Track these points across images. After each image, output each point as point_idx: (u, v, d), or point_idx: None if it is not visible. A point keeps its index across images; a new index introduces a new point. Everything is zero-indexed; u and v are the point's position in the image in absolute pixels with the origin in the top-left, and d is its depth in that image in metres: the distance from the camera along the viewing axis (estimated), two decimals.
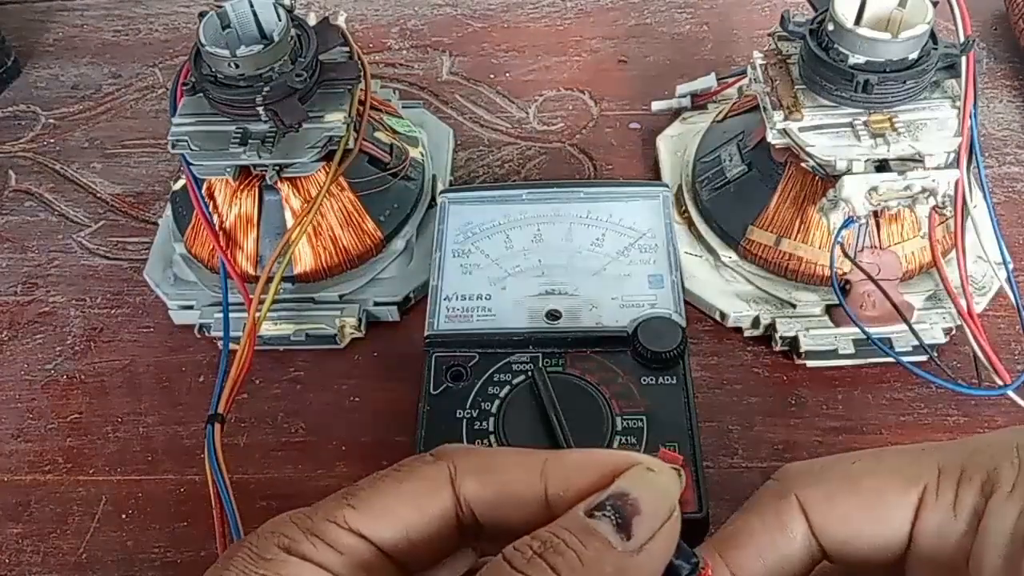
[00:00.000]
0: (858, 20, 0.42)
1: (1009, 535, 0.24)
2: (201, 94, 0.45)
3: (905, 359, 0.42)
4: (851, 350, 0.44)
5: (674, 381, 0.41)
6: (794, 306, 0.45)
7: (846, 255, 0.42)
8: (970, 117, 0.41)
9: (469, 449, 0.26)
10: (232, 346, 0.42)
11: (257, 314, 0.42)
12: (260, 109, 0.43)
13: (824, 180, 0.43)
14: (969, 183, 0.42)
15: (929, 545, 0.26)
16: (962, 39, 0.41)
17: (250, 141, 0.43)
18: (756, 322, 0.46)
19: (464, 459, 0.26)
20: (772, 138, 0.43)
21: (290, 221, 0.45)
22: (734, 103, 0.52)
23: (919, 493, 0.26)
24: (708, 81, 0.55)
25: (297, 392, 0.46)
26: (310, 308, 0.47)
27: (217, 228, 0.46)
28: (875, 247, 0.44)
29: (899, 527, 0.26)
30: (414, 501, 0.25)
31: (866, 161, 0.41)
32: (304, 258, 0.46)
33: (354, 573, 0.24)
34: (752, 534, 0.27)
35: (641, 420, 0.40)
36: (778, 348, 0.45)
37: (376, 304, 0.48)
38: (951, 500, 0.25)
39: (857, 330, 0.43)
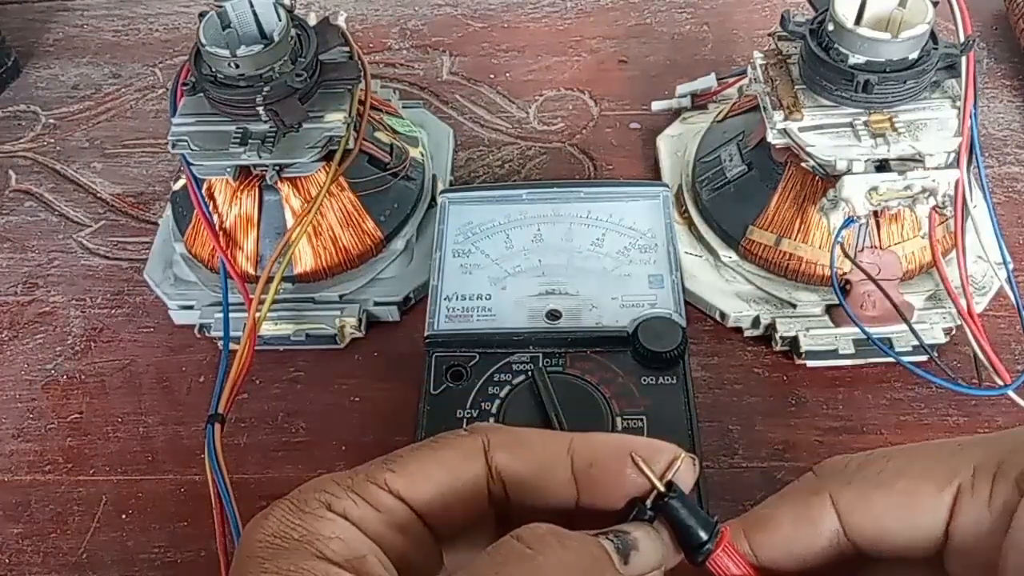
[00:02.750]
0: (858, 20, 0.42)
1: None
2: (201, 94, 0.45)
3: (905, 359, 0.42)
4: (851, 350, 0.44)
5: (674, 381, 0.41)
6: (794, 306, 0.45)
7: (846, 255, 0.42)
8: (970, 117, 0.41)
9: (501, 426, 0.28)
10: (232, 346, 0.42)
11: (257, 314, 0.42)
12: (260, 109, 0.43)
13: (824, 180, 0.43)
14: (969, 183, 0.42)
15: (965, 541, 0.26)
16: (962, 39, 0.41)
17: (250, 141, 0.43)
18: (756, 322, 0.46)
19: (496, 433, 0.27)
20: (772, 138, 0.43)
21: (290, 221, 0.45)
22: (734, 103, 0.52)
23: (953, 492, 0.26)
24: (708, 81, 0.55)
25: (297, 392, 0.46)
26: (310, 308, 0.47)
27: (217, 228, 0.46)
28: (875, 247, 0.44)
29: (934, 526, 0.26)
30: (450, 467, 0.26)
31: (866, 161, 0.41)
32: (304, 258, 0.46)
33: (390, 532, 0.25)
34: (780, 523, 0.27)
35: (641, 420, 0.40)
36: (778, 348, 0.45)
37: (376, 304, 0.47)
38: (986, 497, 0.25)
39: (857, 330, 0.43)
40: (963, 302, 0.42)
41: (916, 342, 0.42)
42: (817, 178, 0.43)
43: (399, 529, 0.26)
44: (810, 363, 0.45)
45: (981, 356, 0.41)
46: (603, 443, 0.27)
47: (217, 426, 0.39)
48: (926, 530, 0.26)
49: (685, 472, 0.27)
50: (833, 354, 0.44)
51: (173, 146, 0.43)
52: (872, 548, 0.27)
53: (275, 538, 0.25)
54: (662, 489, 0.27)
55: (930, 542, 0.26)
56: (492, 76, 0.62)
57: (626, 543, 0.25)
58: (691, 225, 0.49)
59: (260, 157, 0.42)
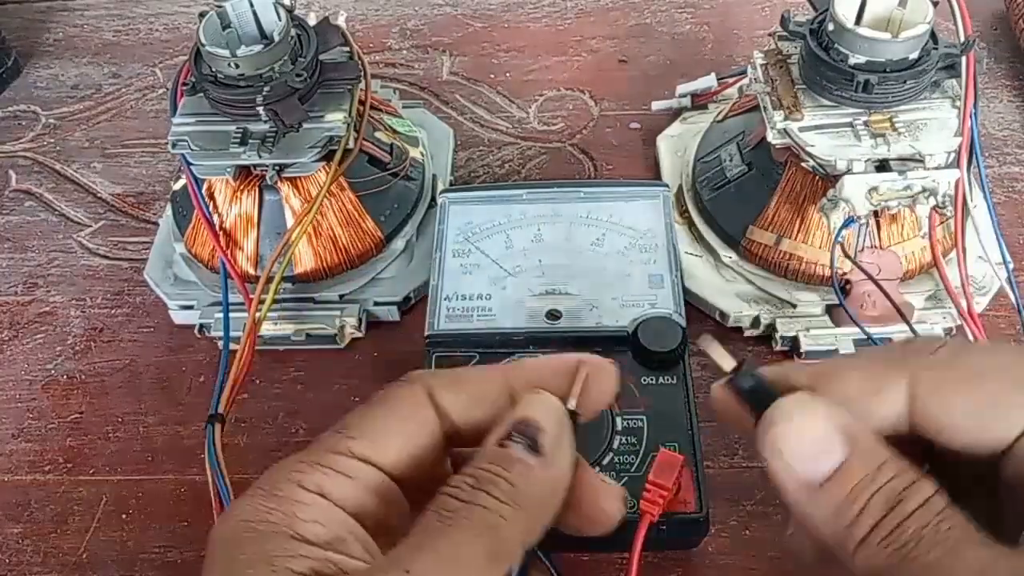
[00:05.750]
0: (858, 20, 0.42)
1: None
2: (201, 94, 0.45)
3: None
4: (851, 350, 0.44)
5: (674, 381, 0.41)
6: (794, 306, 0.45)
7: (846, 255, 0.42)
8: (970, 117, 0.41)
9: (437, 370, 0.28)
10: (232, 346, 0.43)
11: (257, 314, 0.42)
12: (260, 109, 0.43)
13: (824, 180, 0.43)
14: (969, 183, 0.42)
15: None
16: (962, 39, 0.41)
17: (250, 141, 0.43)
18: (756, 322, 0.46)
19: (435, 376, 0.27)
20: (772, 138, 0.43)
21: (290, 221, 0.45)
22: (734, 103, 0.52)
23: None
24: (708, 81, 0.55)
25: (297, 392, 0.46)
26: (310, 308, 0.47)
27: (217, 228, 0.46)
28: (875, 247, 0.44)
29: (1009, 431, 0.25)
30: (404, 420, 0.26)
31: (866, 161, 0.41)
32: (304, 258, 0.46)
33: (367, 497, 0.25)
34: (847, 383, 0.26)
35: (641, 420, 0.40)
36: (778, 348, 0.45)
37: (376, 304, 0.48)
38: None
39: (857, 330, 0.43)
40: (963, 302, 0.42)
41: None
42: (817, 178, 0.43)
43: (374, 493, 0.25)
44: None
45: None
46: (537, 365, 0.27)
47: (217, 426, 0.39)
48: (1000, 434, 0.25)
49: (607, 381, 0.27)
50: (833, 354, 0.44)
51: (173, 146, 0.43)
52: (935, 437, 0.26)
53: (251, 523, 0.24)
54: (727, 370, 0.27)
55: (998, 445, 0.25)
56: (492, 76, 0.62)
57: (528, 432, 0.25)
58: (691, 225, 0.49)
59: (260, 157, 0.42)
